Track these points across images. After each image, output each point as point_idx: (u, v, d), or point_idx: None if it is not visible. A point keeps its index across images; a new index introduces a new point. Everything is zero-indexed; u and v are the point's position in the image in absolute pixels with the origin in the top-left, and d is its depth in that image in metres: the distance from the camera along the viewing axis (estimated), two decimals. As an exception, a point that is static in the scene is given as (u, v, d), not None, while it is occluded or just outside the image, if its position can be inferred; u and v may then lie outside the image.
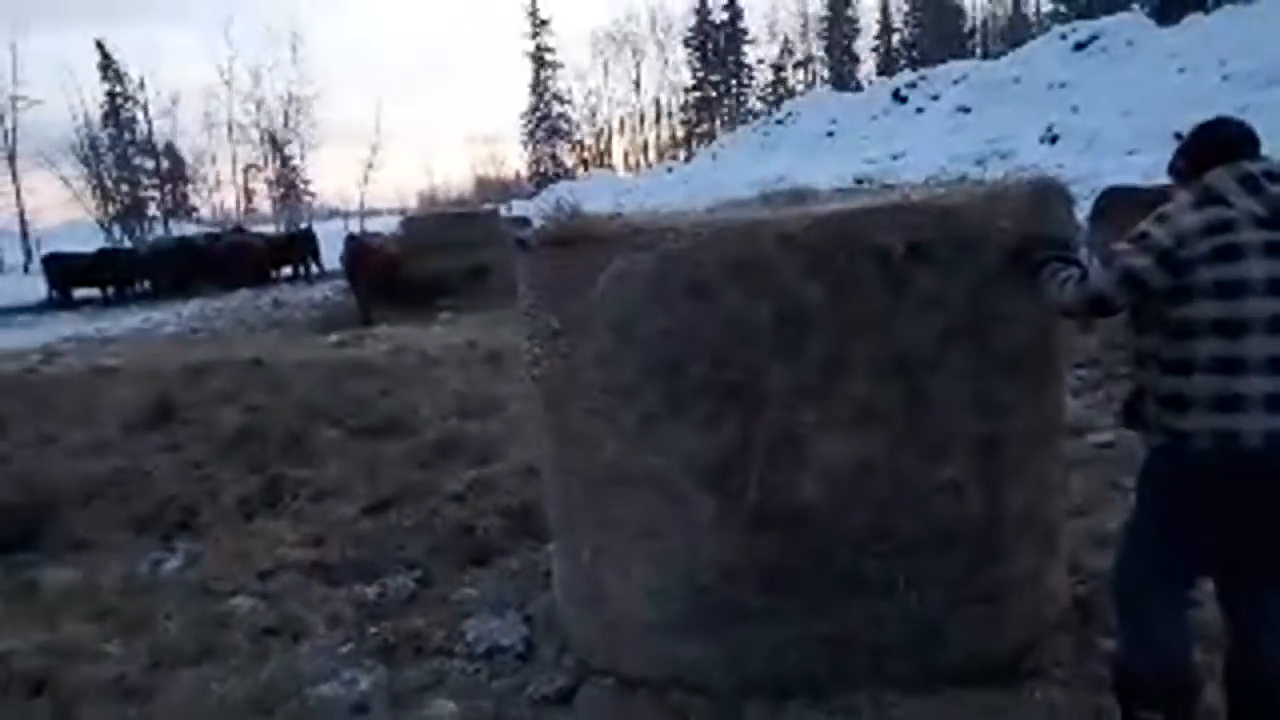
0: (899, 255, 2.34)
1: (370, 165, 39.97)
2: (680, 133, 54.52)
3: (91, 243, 25.83)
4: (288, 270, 21.61)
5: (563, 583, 2.96)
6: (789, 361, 2.45)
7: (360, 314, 12.37)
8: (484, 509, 4.07)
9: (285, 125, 39.43)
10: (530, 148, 51.65)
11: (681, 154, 49.79)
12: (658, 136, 55.48)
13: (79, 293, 20.83)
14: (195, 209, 41.15)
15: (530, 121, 51.11)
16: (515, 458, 4.59)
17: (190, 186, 41.73)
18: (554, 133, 51.40)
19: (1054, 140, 19.48)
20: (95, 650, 3.08)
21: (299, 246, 21.28)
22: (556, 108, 51.24)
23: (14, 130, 34.61)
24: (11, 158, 34.49)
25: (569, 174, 47.75)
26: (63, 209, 38.55)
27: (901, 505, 2.52)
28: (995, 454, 2.52)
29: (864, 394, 2.46)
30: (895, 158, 23.05)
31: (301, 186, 41.21)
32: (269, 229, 30.20)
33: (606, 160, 53.57)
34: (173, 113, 39.20)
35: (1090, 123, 19.58)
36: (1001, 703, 2.49)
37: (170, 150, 40.26)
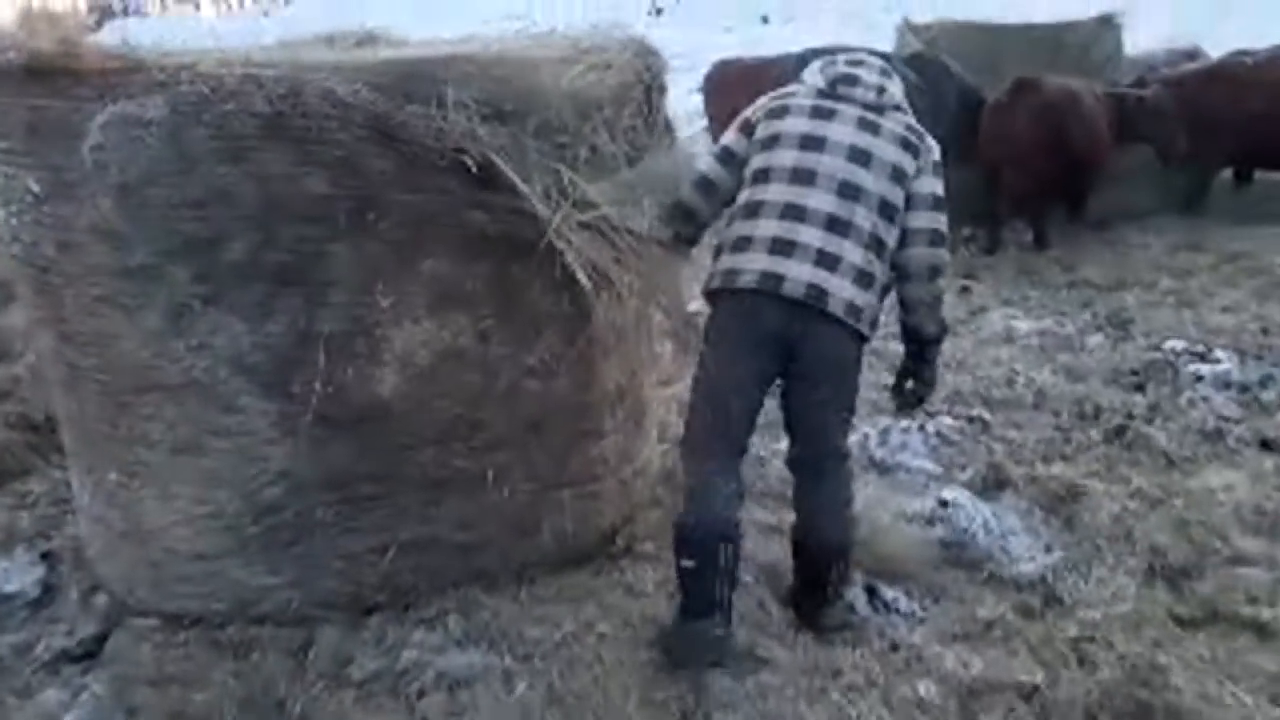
0: (473, 113, 2.03)
1: None
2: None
3: None
4: None
5: (86, 510, 2.40)
6: (355, 239, 2.07)
7: None
8: (-2, 420, 3.25)
9: None
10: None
11: (279, -2, 44.48)
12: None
13: None
14: None
15: (83, -60, 42.49)
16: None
17: None
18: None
19: (659, 13, 20.21)
20: None
21: None
22: (121, -76, 43.01)
23: None
24: None
25: (139, 11, 40.70)
26: None
27: (490, 394, 2.31)
28: (586, 334, 2.38)
29: (446, 275, 2.17)
30: (515, 19, 22.52)
31: None
32: None
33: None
34: None
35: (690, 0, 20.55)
36: (591, 585, 2.44)
37: None
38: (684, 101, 7.42)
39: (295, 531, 2.23)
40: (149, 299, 2.04)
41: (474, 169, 1.99)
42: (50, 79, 1.94)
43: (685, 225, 2.31)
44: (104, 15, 39.26)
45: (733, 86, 6.40)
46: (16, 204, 2.07)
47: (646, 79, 2.48)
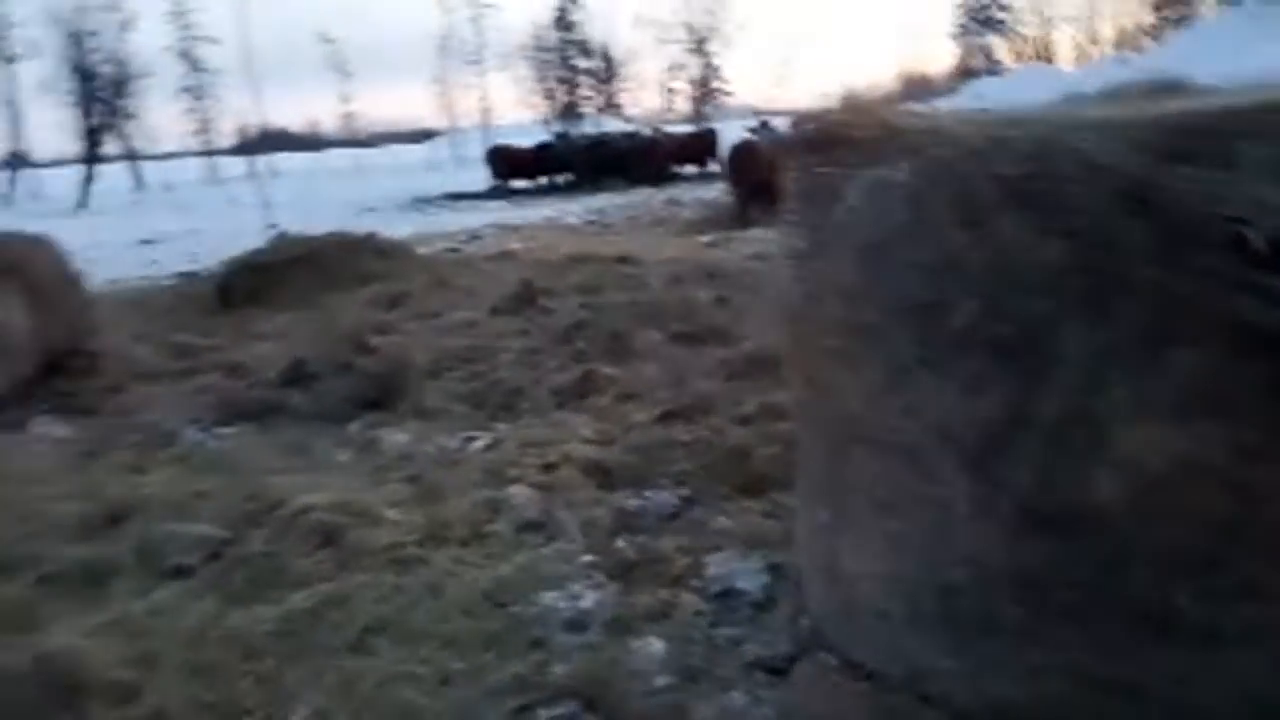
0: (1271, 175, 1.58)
1: (786, 62, 39.97)
2: (1150, 19, 46.62)
3: (538, 139, 28.88)
4: (691, 168, 22.40)
5: (801, 539, 2.61)
6: (1092, 318, 1.82)
7: (737, 215, 12.38)
8: (769, 435, 3.78)
9: (706, 23, 40.24)
10: (960, 41, 47.68)
11: (1147, 43, 42.67)
12: (1117, 25, 48.08)
13: (518, 183, 23.51)
14: (620, 107, 43.86)
15: (963, 12, 47.05)
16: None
17: (619, 86, 44.42)
18: (987, 24, 46.83)
19: None
20: (380, 516, 3.35)
21: (700, 145, 21.94)
22: (996, -7, 46.49)
23: (479, 37, 39.83)
24: (476, 61, 39.97)
25: (998, 69, 43.44)
26: (516, 107, 43.84)
27: (1245, 528, 1.80)
28: None
29: (1200, 371, 1.76)
30: None
31: (717, 85, 42.02)
32: (686, 128, 31.39)
33: (1048, 54, 47.76)
34: (609, 14, 42.14)
35: None
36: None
37: (604, 51, 43.15)
38: None
39: (973, 621, 2.07)
40: (872, 356, 2.10)
41: (1255, 246, 1.56)
42: (828, 148, 2.14)
43: None
44: (967, 76, 42.99)
45: None
46: (789, 259, 2.35)
47: None
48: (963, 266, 1.90)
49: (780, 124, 14.29)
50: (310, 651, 2.57)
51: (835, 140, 2.13)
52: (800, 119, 2.46)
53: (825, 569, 2.44)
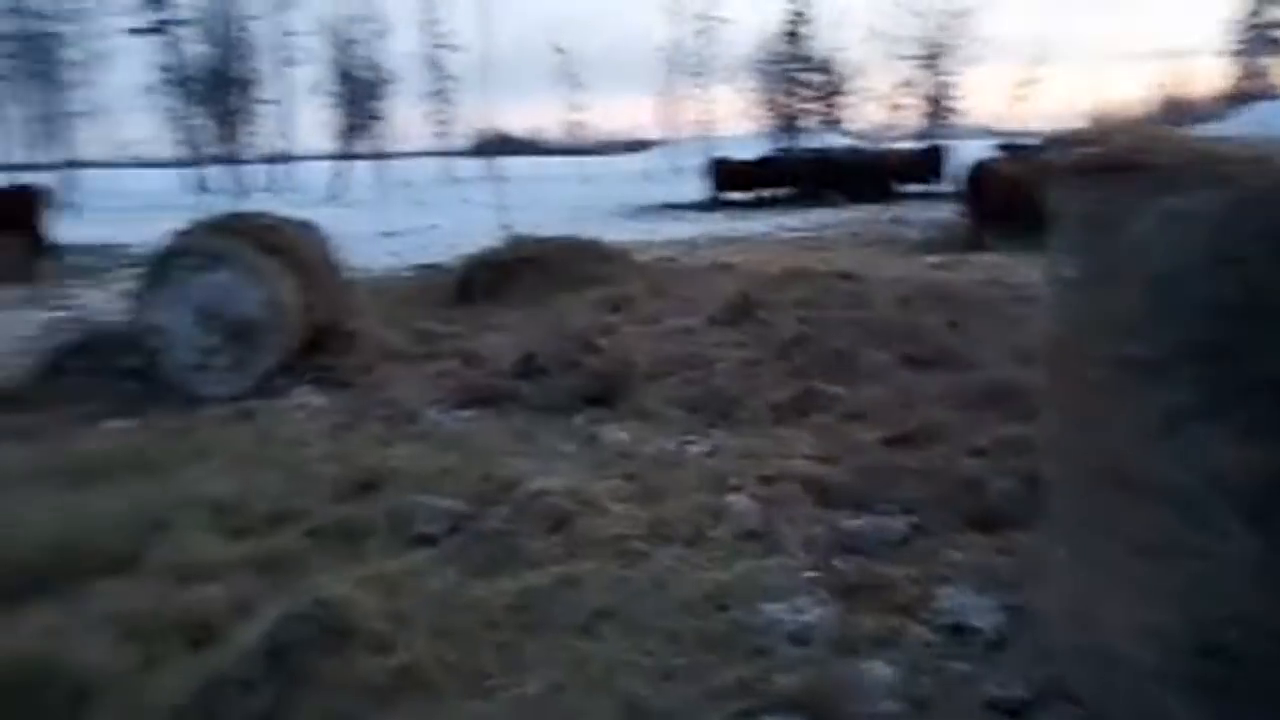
0: None
1: (1026, 82, 37.95)
2: None
3: (756, 151, 28.94)
4: (915, 186, 21.75)
5: (1046, 580, 2.49)
6: None
7: (970, 238, 11.86)
8: (1006, 470, 3.61)
9: (943, 39, 38.71)
10: (1235, 62, 43.33)
11: None
12: None
13: (735, 195, 23.66)
14: (842, 121, 43.04)
15: (1239, 31, 42.80)
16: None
17: (843, 100, 43.61)
18: (1270, 43, 42.29)
19: None
20: (606, 508, 3.49)
21: (926, 162, 21.27)
22: (1280, 12, 41.94)
23: (706, 49, 40.51)
24: (701, 73, 40.73)
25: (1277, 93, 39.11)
26: (737, 120, 44.16)
27: None
28: None
29: None
30: None
31: (949, 103, 40.35)
32: (911, 145, 30.47)
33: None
34: (839, 28, 41.36)
35: None
36: None
37: (831, 65, 42.54)
38: None
39: (1239, 683, 1.90)
40: (1148, 395, 1.98)
41: None
42: (1110, 172, 2.04)
43: None
44: (1240, 100, 39.03)
45: None
46: (1056, 286, 2.25)
47: None
48: (1269, 305, 1.76)
49: (1031, 145, 13.58)
50: (544, 628, 2.73)
51: (1121, 165, 2.02)
52: (1067, 140, 2.34)
53: (1072, 614, 2.31)
